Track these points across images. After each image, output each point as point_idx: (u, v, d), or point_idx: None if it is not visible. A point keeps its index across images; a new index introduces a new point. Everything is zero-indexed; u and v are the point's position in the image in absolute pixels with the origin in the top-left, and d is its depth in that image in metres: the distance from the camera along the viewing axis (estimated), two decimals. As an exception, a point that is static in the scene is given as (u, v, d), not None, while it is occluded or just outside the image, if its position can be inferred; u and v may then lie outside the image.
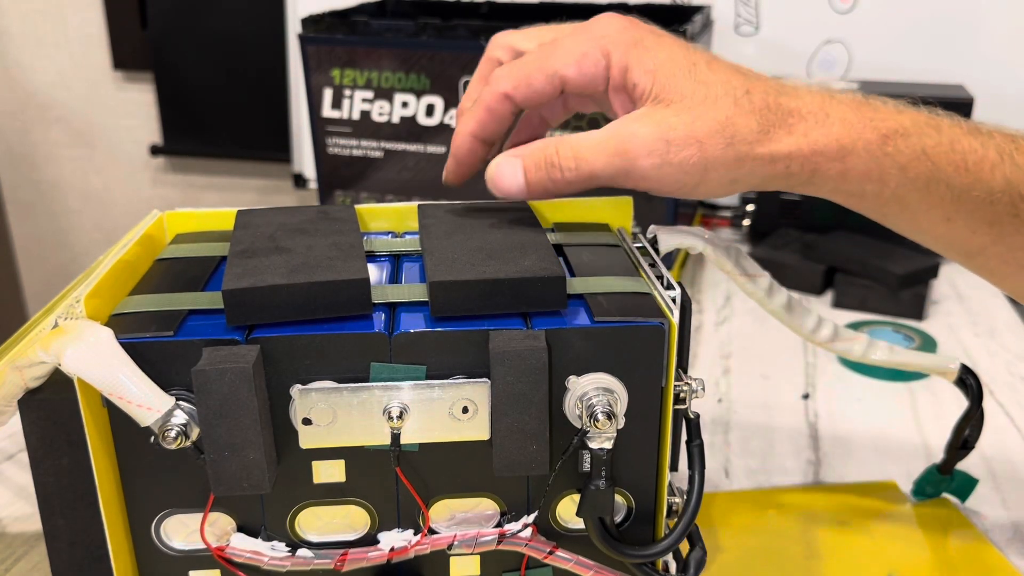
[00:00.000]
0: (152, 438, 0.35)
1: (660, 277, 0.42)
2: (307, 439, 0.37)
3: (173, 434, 0.35)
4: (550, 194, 0.43)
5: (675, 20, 0.98)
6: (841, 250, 0.90)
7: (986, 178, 0.40)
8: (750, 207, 1.02)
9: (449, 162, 0.47)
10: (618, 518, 0.41)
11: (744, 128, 0.40)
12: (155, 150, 1.65)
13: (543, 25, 0.48)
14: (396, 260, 0.45)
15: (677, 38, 0.43)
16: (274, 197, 1.61)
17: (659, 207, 0.88)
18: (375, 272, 0.43)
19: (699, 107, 0.40)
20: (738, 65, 0.43)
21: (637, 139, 0.40)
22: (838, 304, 0.88)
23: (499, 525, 0.40)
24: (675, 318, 0.38)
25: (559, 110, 0.49)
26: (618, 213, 0.49)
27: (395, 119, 0.94)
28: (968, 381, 0.49)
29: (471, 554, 0.41)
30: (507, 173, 0.43)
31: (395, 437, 0.37)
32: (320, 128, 0.97)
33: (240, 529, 0.40)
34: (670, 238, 0.45)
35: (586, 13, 1.04)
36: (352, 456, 0.39)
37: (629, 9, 1.04)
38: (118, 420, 0.37)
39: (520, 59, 0.44)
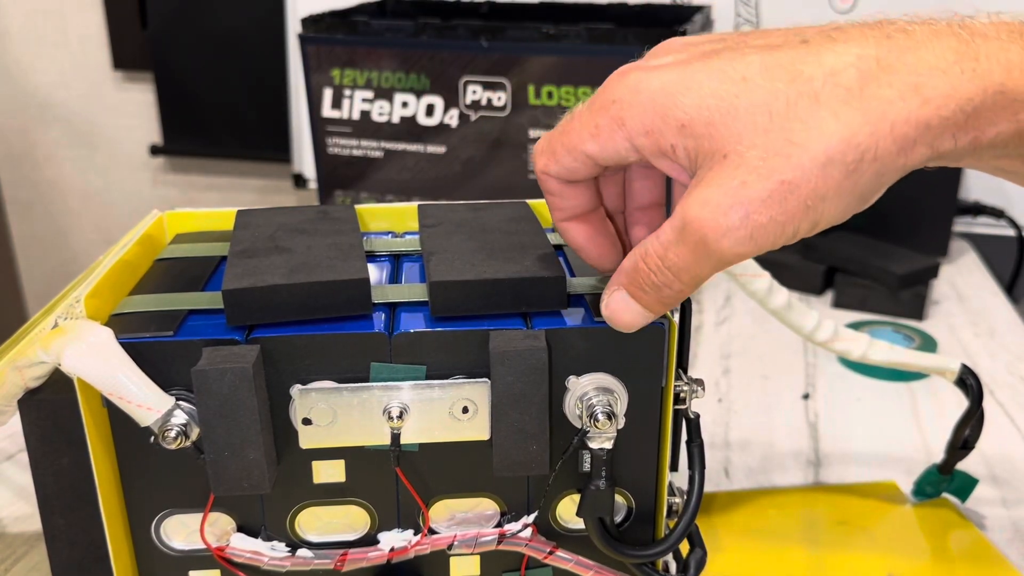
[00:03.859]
0: (152, 438, 0.35)
1: (660, 277, 0.42)
2: (307, 439, 0.37)
3: (173, 434, 0.35)
4: (673, 307, 0.36)
5: (675, 20, 0.98)
6: (841, 250, 0.90)
7: None
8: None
9: (587, 255, 0.39)
10: (618, 518, 0.41)
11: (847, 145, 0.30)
12: (155, 150, 1.64)
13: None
14: (396, 260, 0.45)
15: (709, 52, 0.32)
16: (274, 197, 1.61)
17: (659, 207, 0.88)
18: (375, 272, 0.43)
19: (769, 146, 0.30)
20: (785, 63, 0.31)
21: (707, 220, 0.30)
22: (838, 304, 0.88)
23: (499, 525, 0.40)
24: (675, 318, 0.38)
25: (636, 183, 0.39)
26: (618, 213, 0.49)
27: (395, 119, 0.94)
28: (968, 381, 0.49)
29: (471, 554, 0.41)
30: (622, 309, 0.35)
31: (395, 437, 0.37)
32: (320, 128, 0.97)
33: (240, 529, 0.40)
34: (670, 238, 0.45)
35: (587, 14, 1.04)
36: (352, 456, 0.39)
37: (629, 9, 1.04)
38: (118, 420, 0.37)
39: (548, 131, 0.36)
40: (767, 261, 0.91)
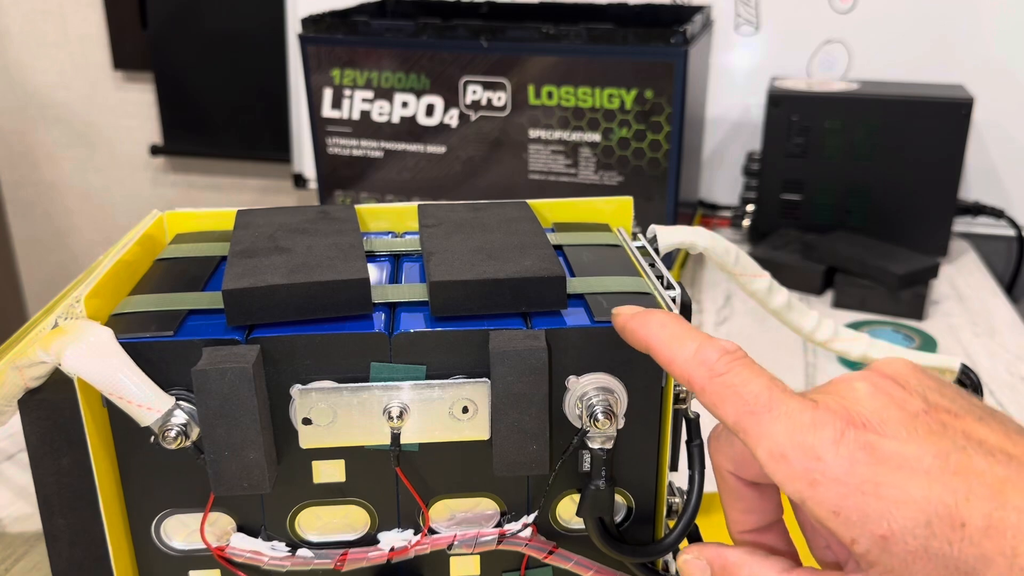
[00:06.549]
0: (152, 438, 0.35)
1: (660, 277, 0.42)
2: (307, 439, 0.37)
3: (173, 434, 0.35)
4: None
5: (675, 20, 0.98)
6: (841, 250, 0.90)
7: None
8: (750, 207, 1.02)
9: None
10: (618, 518, 0.41)
11: None
12: (155, 150, 1.64)
13: None
14: (396, 260, 0.45)
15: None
16: (274, 197, 1.61)
17: (659, 207, 0.88)
18: (375, 272, 0.43)
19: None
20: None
21: None
22: (838, 304, 0.88)
23: (499, 525, 0.40)
24: (675, 318, 0.38)
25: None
26: (618, 213, 0.49)
27: (395, 119, 0.94)
28: (968, 381, 0.49)
29: (471, 554, 0.41)
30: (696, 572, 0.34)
31: (395, 437, 0.37)
32: (320, 128, 0.97)
33: (240, 529, 0.40)
34: (670, 238, 0.45)
35: (587, 14, 1.04)
36: (352, 456, 0.39)
37: (629, 9, 1.04)
38: (118, 420, 0.37)
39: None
40: (767, 261, 0.91)
